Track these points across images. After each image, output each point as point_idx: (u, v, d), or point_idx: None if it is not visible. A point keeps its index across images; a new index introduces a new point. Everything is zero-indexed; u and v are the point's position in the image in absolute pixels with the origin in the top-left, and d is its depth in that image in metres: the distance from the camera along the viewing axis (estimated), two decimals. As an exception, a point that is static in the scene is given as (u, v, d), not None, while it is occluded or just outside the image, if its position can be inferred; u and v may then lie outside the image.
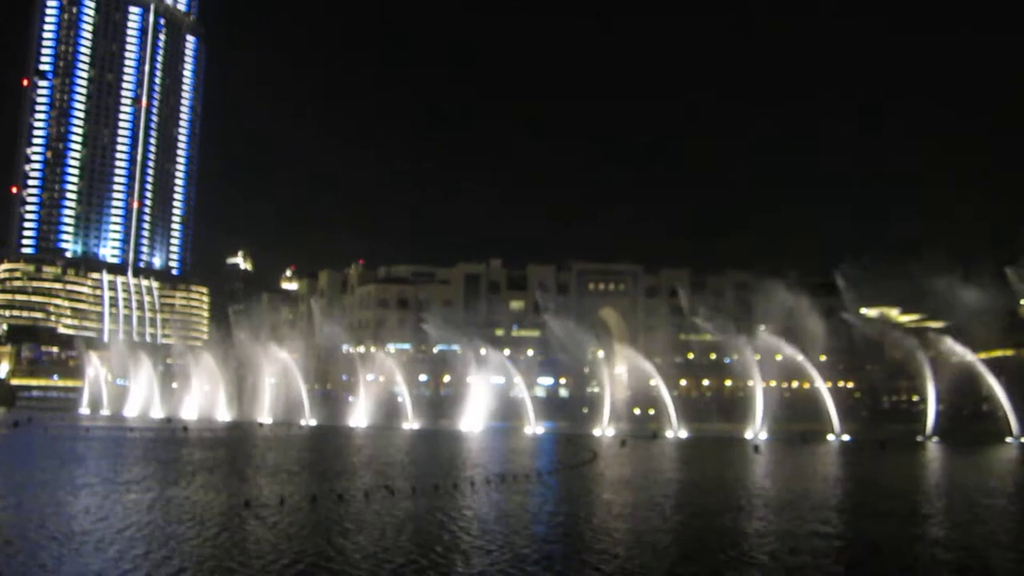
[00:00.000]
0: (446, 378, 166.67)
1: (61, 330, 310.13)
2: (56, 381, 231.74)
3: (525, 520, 36.43)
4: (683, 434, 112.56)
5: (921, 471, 65.31)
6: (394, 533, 32.05)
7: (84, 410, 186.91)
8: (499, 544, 29.97)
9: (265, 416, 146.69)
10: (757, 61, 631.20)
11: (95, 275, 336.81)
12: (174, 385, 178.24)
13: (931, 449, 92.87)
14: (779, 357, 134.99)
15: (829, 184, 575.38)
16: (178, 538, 30.23)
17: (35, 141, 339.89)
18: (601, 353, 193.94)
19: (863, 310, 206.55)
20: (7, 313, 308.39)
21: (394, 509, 38.33)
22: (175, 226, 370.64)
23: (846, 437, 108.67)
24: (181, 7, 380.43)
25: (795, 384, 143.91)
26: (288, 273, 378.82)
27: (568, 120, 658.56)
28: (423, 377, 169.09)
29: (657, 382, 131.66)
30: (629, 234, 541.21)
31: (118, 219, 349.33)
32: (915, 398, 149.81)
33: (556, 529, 34.46)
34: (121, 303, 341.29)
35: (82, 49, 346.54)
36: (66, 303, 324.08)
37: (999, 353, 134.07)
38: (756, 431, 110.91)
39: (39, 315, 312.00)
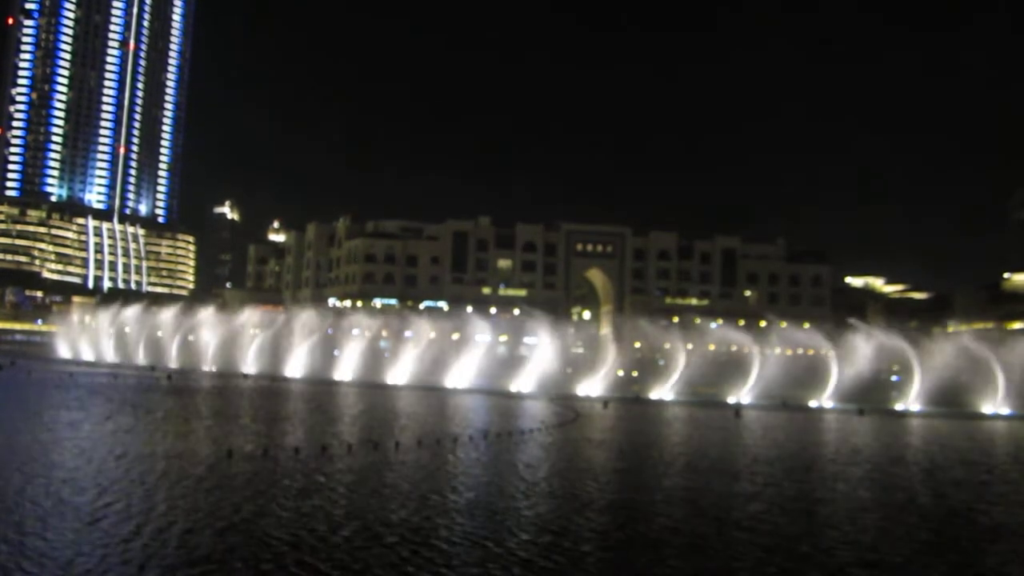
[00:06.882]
0: (431, 335, 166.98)
1: (45, 275, 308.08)
2: (40, 326, 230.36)
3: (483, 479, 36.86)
4: (667, 397, 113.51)
5: (869, 438, 66.41)
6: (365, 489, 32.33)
7: (67, 355, 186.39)
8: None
9: (249, 367, 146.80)
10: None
11: (80, 220, 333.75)
12: (159, 333, 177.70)
13: (907, 418, 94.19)
14: (763, 324, 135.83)
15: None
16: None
17: (20, 82, 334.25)
18: (587, 314, 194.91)
19: (848, 279, 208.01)
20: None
21: (374, 463, 38.67)
22: (162, 173, 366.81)
23: (828, 404, 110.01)
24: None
25: (778, 351, 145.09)
26: (275, 225, 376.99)
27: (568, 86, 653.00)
28: (408, 333, 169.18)
29: (640, 345, 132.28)
30: (620, 195, 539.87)
31: (104, 164, 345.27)
32: (894, 367, 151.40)
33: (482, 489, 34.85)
34: (106, 249, 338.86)
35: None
36: (51, 248, 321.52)
37: (981, 325, 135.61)
38: (738, 396, 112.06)
39: (23, 259, 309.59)
